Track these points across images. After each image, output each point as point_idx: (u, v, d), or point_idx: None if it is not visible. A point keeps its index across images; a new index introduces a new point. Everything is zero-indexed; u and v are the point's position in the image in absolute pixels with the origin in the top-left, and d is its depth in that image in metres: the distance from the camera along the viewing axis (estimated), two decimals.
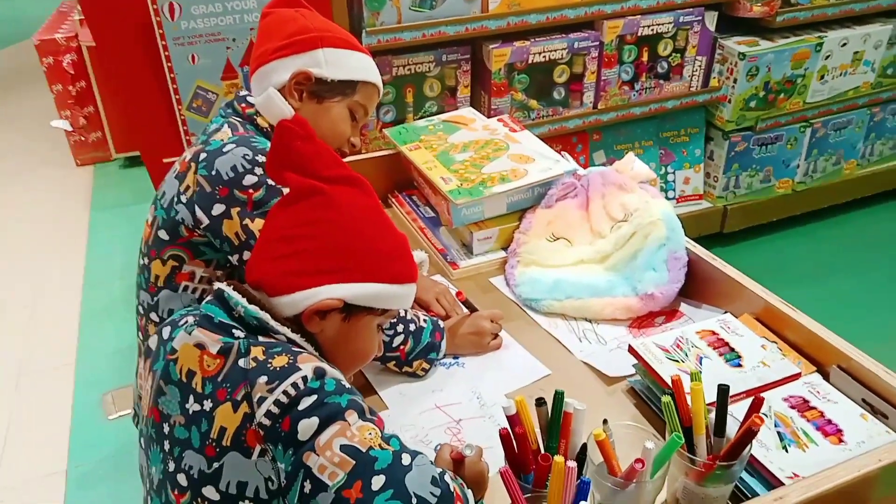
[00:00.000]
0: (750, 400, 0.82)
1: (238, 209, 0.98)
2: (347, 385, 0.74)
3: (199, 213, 0.99)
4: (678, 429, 0.80)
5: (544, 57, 2.22)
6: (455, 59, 2.17)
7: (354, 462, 0.68)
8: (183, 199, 1.01)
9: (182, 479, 0.75)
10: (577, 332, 1.20)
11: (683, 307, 1.22)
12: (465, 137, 1.54)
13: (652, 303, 1.19)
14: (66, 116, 3.47)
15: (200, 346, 0.76)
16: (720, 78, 2.55)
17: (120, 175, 3.56)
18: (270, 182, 0.99)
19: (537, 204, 1.39)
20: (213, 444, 0.72)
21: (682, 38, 2.41)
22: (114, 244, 2.96)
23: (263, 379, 0.70)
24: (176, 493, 0.76)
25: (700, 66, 2.49)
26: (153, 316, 1.06)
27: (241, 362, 0.73)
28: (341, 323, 0.80)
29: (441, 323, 1.14)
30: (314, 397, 0.70)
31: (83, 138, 3.56)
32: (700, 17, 2.38)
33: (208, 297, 0.80)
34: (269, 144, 1.05)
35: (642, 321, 1.21)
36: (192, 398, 0.75)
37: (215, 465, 0.72)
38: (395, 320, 1.06)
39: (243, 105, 1.10)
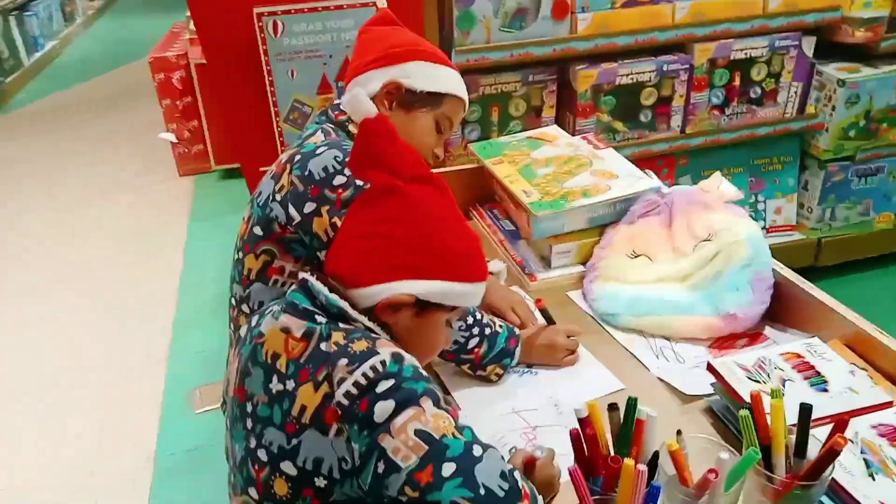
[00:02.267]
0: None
1: (328, 208, 1.03)
2: (424, 373, 0.77)
3: (291, 210, 1.05)
4: (755, 443, 0.78)
5: (632, 79, 2.22)
6: (542, 80, 2.20)
7: (428, 447, 0.70)
8: (277, 197, 1.07)
9: (262, 454, 0.79)
10: (655, 349, 1.19)
11: (768, 331, 1.19)
12: (548, 153, 1.56)
13: (734, 323, 1.16)
14: (172, 129, 3.71)
15: (286, 330, 0.80)
16: (817, 105, 2.47)
17: (218, 186, 3.76)
18: (359, 183, 1.03)
19: (619, 220, 1.39)
20: (294, 421, 0.76)
21: (778, 63, 2.35)
22: (209, 252, 3.12)
23: (344, 361, 0.74)
24: (256, 468, 0.80)
25: (796, 92, 2.41)
26: (244, 308, 1.13)
27: (323, 346, 0.77)
28: (413, 317, 0.83)
29: (517, 331, 1.15)
30: (392, 381, 0.73)
31: (187, 150, 3.79)
32: (797, 42, 2.32)
33: (293, 287, 0.85)
34: None
35: (723, 342, 1.18)
36: (275, 378, 0.79)
37: (294, 441, 0.76)
38: (471, 322, 1.08)
39: (336, 113, 1.16)
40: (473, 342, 1.08)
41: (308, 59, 1.97)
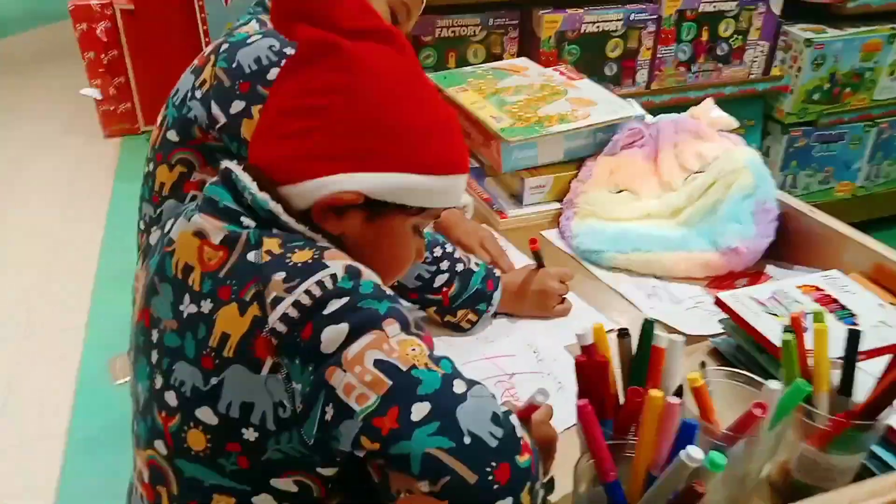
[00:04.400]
0: (888, 358, 0.65)
1: (260, 107, 0.83)
2: (388, 291, 0.58)
3: (215, 109, 0.85)
4: (798, 375, 0.63)
5: (598, 27, 2.07)
6: (502, 24, 2.03)
7: (391, 382, 0.52)
8: (198, 94, 0.87)
9: (171, 397, 0.60)
10: (646, 289, 1.03)
11: (770, 269, 1.05)
12: (518, 82, 1.39)
13: (736, 259, 1.02)
14: (96, 85, 3.39)
15: (200, 234, 0.60)
16: (783, 67, 2.38)
17: (147, 149, 3.47)
18: None
19: (599, 152, 1.23)
20: (212, 354, 0.57)
21: (746, 19, 2.24)
22: (134, 214, 2.84)
23: (281, 275, 0.55)
24: (164, 415, 0.60)
25: (762, 51, 2.31)
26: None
27: (251, 255, 0.57)
28: (364, 223, 0.63)
29: (496, 271, 0.97)
30: (345, 299, 0.54)
31: (112, 108, 3.47)
32: None
33: (213, 179, 0.65)
34: None
35: (721, 282, 1.04)
36: (187, 298, 0.59)
37: (213, 380, 0.57)
38: (439, 254, 0.90)
39: None
40: (441, 279, 0.90)
41: None
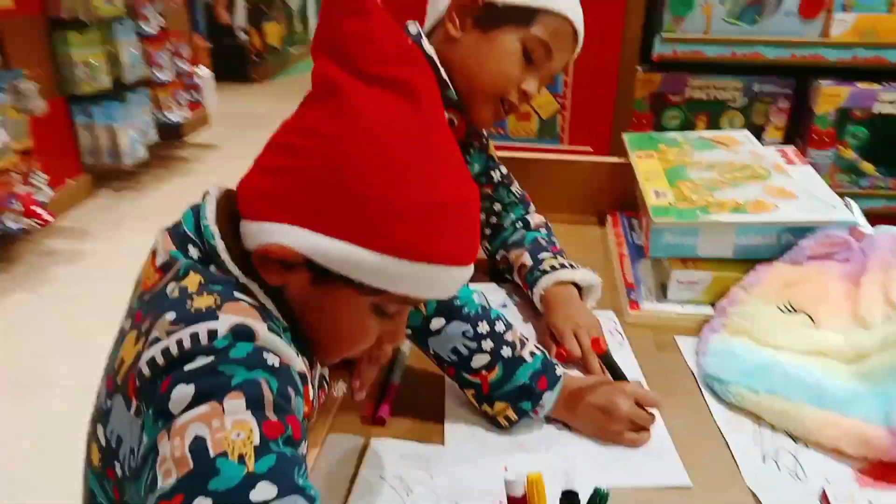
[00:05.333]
0: None
1: None
2: (274, 362, 0.50)
3: None
4: None
5: None
6: (770, 92, 1.74)
7: (191, 466, 0.44)
8: None
9: (95, 409, 0.59)
10: (766, 448, 0.77)
11: None
12: (717, 158, 1.16)
13: None
14: None
15: (153, 252, 0.59)
16: None
17: None
18: None
19: (779, 256, 0.97)
20: (114, 375, 0.55)
21: None
22: None
23: (171, 316, 0.50)
24: (89, 421, 0.60)
25: None
26: None
27: (170, 287, 0.54)
28: (309, 284, 0.55)
29: (559, 367, 0.81)
30: (209, 360, 0.48)
31: None
32: None
33: (204, 195, 0.63)
34: None
35: (884, 471, 0.73)
36: (126, 310, 0.59)
37: (108, 402, 0.55)
38: (483, 331, 0.77)
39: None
40: (481, 360, 0.77)
41: None
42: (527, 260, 1.03)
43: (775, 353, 0.86)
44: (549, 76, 0.93)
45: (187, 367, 0.48)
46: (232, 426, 0.45)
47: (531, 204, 1.13)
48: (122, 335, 0.56)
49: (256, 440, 0.45)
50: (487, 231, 1.11)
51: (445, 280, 0.56)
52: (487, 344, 0.77)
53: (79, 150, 3.52)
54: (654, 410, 0.79)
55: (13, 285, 2.75)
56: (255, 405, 0.47)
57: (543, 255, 1.02)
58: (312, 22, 6.96)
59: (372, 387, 0.83)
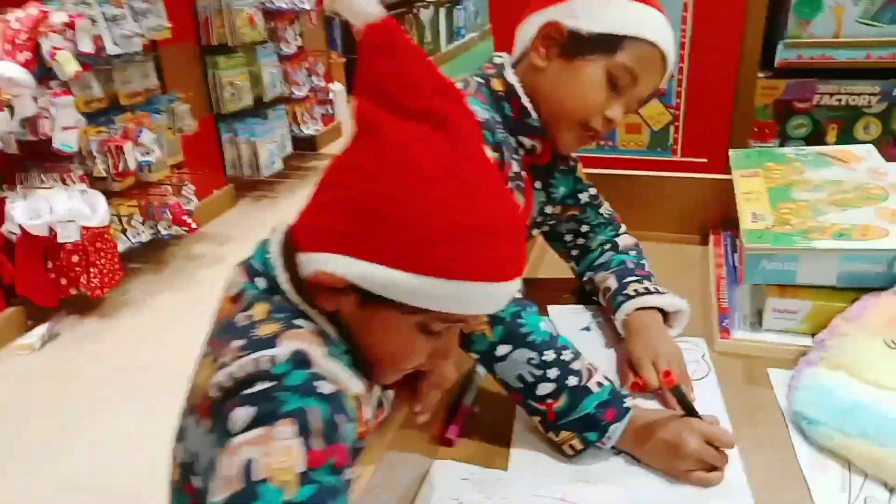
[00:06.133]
0: None
1: None
2: (327, 389, 0.54)
3: None
4: None
5: None
6: None
7: (239, 487, 0.48)
8: None
9: (176, 427, 0.66)
10: (853, 494, 0.72)
11: None
12: (830, 175, 1.08)
13: None
14: None
15: (228, 285, 0.65)
16: None
17: None
18: None
19: (889, 286, 0.89)
20: (190, 396, 0.62)
21: None
22: None
23: (239, 343, 0.56)
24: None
25: None
26: None
27: (240, 316, 0.59)
28: (358, 307, 0.59)
29: (628, 399, 0.79)
30: (268, 385, 0.53)
31: None
32: None
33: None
34: (482, 111, 0.88)
35: None
36: (205, 338, 0.65)
37: (185, 421, 0.62)
38: (550, 359, 0.77)
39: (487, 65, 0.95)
40: (546, 388, 0.77)
41: None
42: (612, 283, 1.01)
43: (875, 393, 0.79)
44: (636, 102, 0.91)
45: (248, 392, 0.53)
46: (278, 451, 0.49)
47: (622, 226, 1.11)
48: (201, 359, 0.63)
49: (300, 468, 0.49)
50: (575, 252, 1.11)
51: (482, 297, 0.58)
52: (553, 372, 0.77)
53: (223, 163, 3.84)
54: (732, 450, 0.76)
55: (163, 286, 3.05)
56: (305, 433, 0.50)
57: (629, 278, 1.00)
58: (444, 34, 7.12)
59: (442, 408, 0.86)
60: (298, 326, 0.58)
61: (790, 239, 0.92)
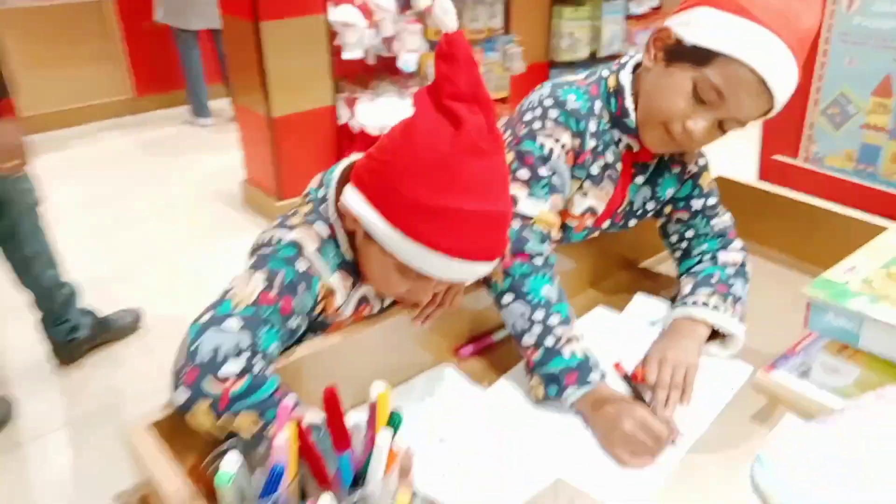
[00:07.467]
0: None
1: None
2: (302, 267, 0.81)
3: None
4: None
5: None
6: None
7: (219, 297, 0.78)
8: None
9: None
10: None
11: None
12: None
13: None
14: None
15: (308, 186, 0.93)
16: None
17: None
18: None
19: None
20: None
21: None
22: None
23: (277, 222, 0.87)
24: None
25: None
26: None
27: (294, 209, 0.89)
28: (363, 237, 0.83)
29: (599, 373, 0.90)
30: (268, 250, 0.83)
31: None
32: None
33: None
34: (577, 101, 1.00)
35: None
36: None
37: None
38: (539, 317, 0.91)
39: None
40: (529, 340, 0.92)
41: (876, 48, 1.57)
42: (686, 288, 1.06)
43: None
44: (734, 119, 0.92)
45: (259, 252, 0.84)
46: (250, 282, 0.78)
47: (734, 241, 1.12)
48: None
49: (251, 299, 0.77)
50: (678, 254, 1.15)
51: (443, 265, 0.77)
52: (537, 328, 0.91)
53: None
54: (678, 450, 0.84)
55: None
56: (267, 282, 0.79)
57: (703, 288, 1.04)
58: None
59: (469, 332, 1.05)
60: (313, 227, 0.85)
61: (845, 293, 0.88)
